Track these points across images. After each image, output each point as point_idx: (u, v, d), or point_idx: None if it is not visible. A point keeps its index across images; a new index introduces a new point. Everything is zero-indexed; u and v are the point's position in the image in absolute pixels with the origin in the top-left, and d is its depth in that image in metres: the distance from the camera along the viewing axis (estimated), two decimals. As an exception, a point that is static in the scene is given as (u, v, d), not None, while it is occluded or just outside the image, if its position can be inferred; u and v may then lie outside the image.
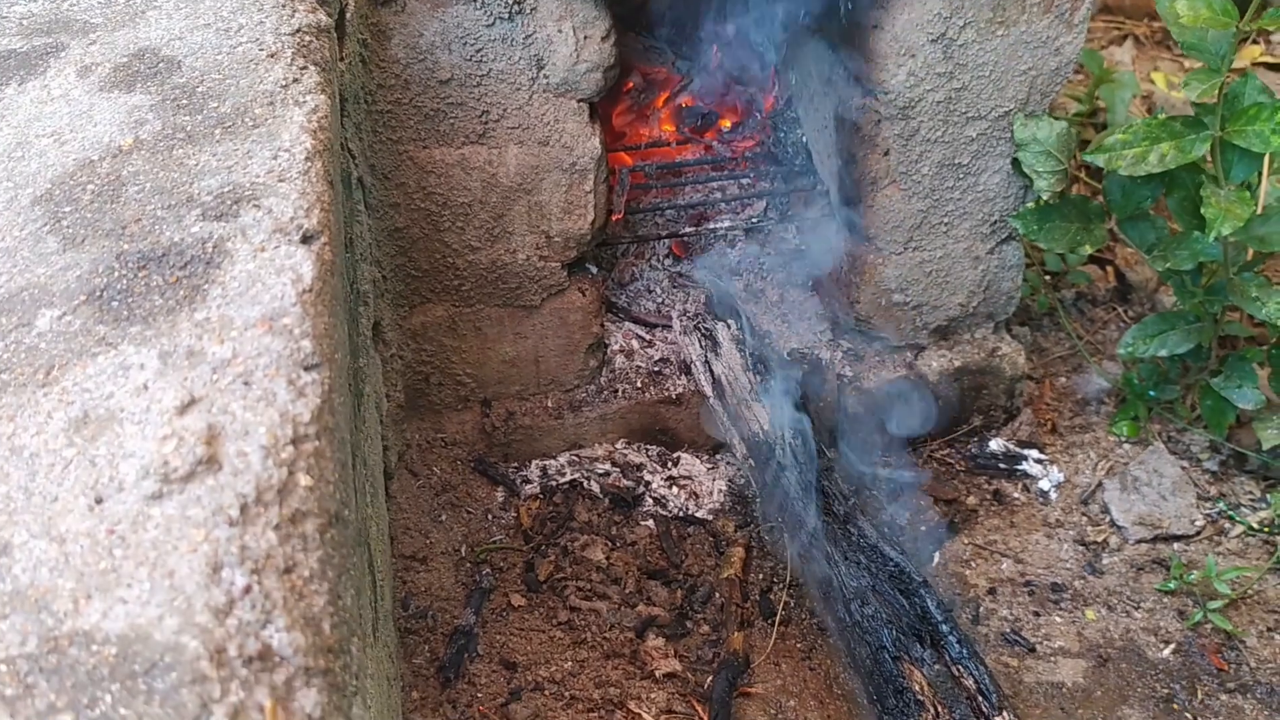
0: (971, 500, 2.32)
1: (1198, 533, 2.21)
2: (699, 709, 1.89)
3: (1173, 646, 2.03)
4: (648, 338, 2.38)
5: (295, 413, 0.95)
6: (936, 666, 1.82)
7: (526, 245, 2.11)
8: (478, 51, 1.90)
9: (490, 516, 2.20)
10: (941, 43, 1.96)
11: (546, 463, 2.30)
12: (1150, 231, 2.17)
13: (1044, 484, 2.33)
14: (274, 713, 0.78)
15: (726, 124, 2.58)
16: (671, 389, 2.30)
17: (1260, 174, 2.19)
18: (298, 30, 1.44)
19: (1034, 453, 2.38)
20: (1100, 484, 2.30)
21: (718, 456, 2.34)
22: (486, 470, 2.27)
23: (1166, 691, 1.96)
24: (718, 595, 2.09)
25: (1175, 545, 2.20)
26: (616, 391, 2.31)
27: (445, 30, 1.87)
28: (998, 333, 2.39)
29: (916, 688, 1.79)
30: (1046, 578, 2.15)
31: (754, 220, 2.47)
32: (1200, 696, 1.95)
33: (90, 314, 1.05)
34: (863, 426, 2.30)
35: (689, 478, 2.30)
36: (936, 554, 2.21)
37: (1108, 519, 2.25)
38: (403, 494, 2.11)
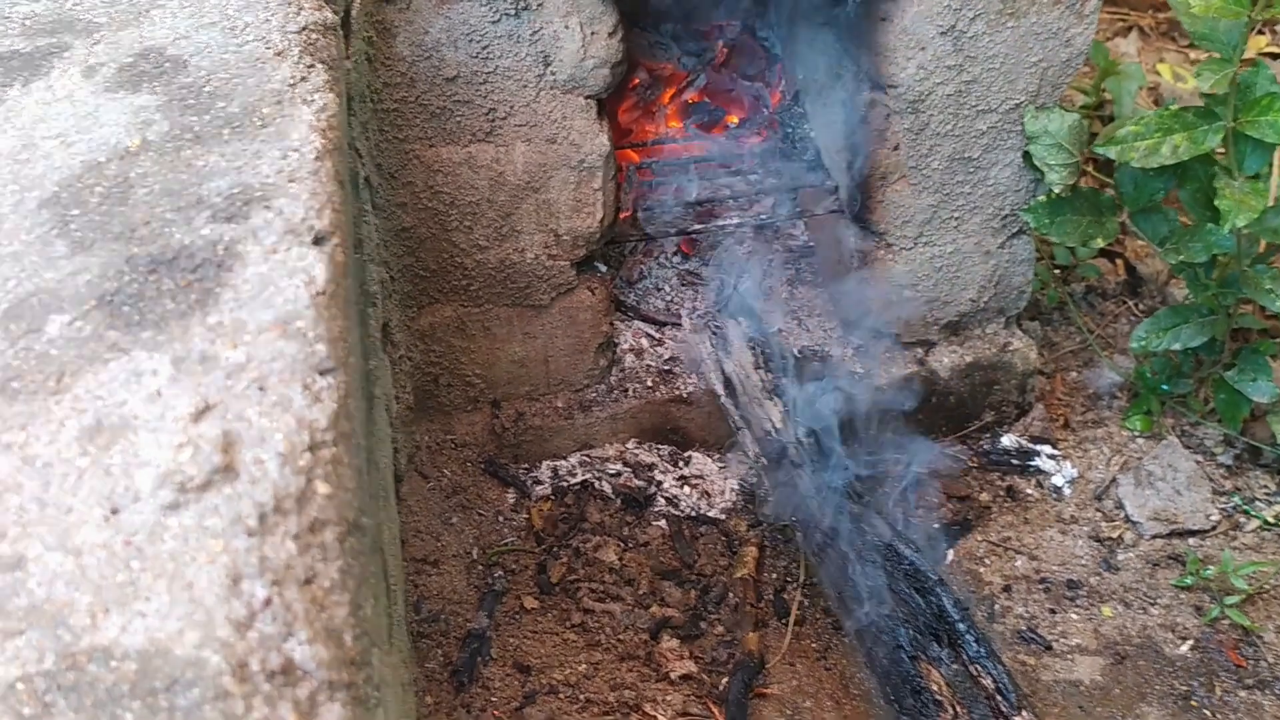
0: (984, 497, 2.30)
1: (1213, 527, 2.19)
2: (715, 711, 1.87)
3: (1190, 643, 2.01)
4: (657, 336, 2.36)
5: (312, 418, 0.93)
6: (954, 666, 1.81)
7: (535, 244, 2.09)
8: (484, 48, 1.88)
9: (501, 518, 2.19)
10: (951, 35, 1.94)
11: (557, 463, 2.28)
12: (1163, 224, 2.15)
13: (1057, 480, 2.31)
14: (298, 728, 0.77)
15: (734, 120, 2.56)
16: (682, 388, 2.28)
17: (1271, 165, 2.17)
18: (304, 28, 1.42)
19: (1047, 448, 2.36)
20: (1114, 479, 2.29)
21: (729, 455, 2.32)
22: (497, 472, 2.25)
23: (1185, 688, 1.95)
24: (731, 595, 2.07)
25: (1191, 540, 2.18)
26: (627, 391, 2.29)
27: (451, 27, 1.85)
28: (1009, 328, 2.38)
29: (934, 687, 1.77)
30: (1062, 574, 2.13)
31: (762, 217, 2.44)
32: (1219, 693, 1.94)
33: (101, 319, 1.03)
34: (874, 422, 2.28)
35: (701, 477, 2.28)
36: (950, 551, 2.20)
37: (1122, 514, 2.24)
38: (413, 497, 2.09)
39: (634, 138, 2.49)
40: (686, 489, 2.26)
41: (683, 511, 2.22)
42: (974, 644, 1.82)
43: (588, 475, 2.25)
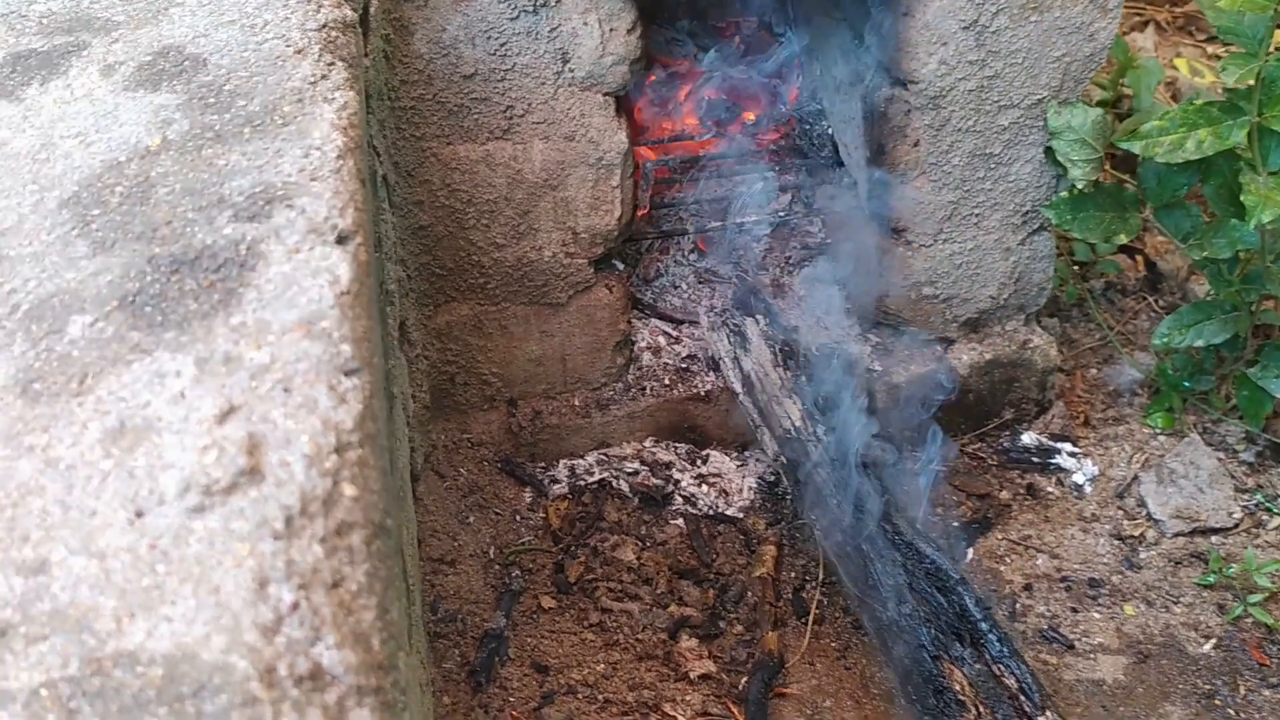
0: (1004, 495, 2.28)
1: (1236, 525, 2.17)
2: (734, 711, 1.86)
3: (1213, 642, 2.00)
4: (675, 334, 2.35)
5: (338, 420, 0.92)
6: (977, 665, 1.79)
7: (553, 242, 2.08)
8: (502, 45, 1.87)
9: (518, 517, 2.18)
10: (974, 29, 1.92)
11: (574, 462, 2.27)
12: (1186, 220, 2.13)
13: (1078, 477, 2.29)
14: (326, 734, 0.76)
15: (750, 117, 2.54)
16: (700, 386, 2.27)
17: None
18: (324, 25, 1.41)
19: (1067, 446, 2.34)
20: (1136, 477, 2.27)
21: (747, 453, 2.31)
22: (514, 471, 2.24)
23: (1208, 688, 1.93)
24: (750, 594, 2.06)
25: (1213, 538, 2.16)
26: (644, 389, 2.28)
27: (469, 24, 1.84)
28: (1029, 325, 2.36)
29: (957, 687, 1.76)
30: (1083, 573, 2.12)
31: (780, 214, 2.43)
32: (1243, 692, 1.92)
33: (123, 320, 1.02)
34: (893, 420, 2.27)
35: (718, 475, 2.26)
36: (970, 550, 2.18)
37: (1144, 512, 2.22)
38: (430, 496, 2.08)
39: (651, 135, 2.48)
40: (704, 487, 2.25)
41: (701, 510, 2.21)
42: (997, 643, 1.80)
43: (605, 474, 2.24)
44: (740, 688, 1.90)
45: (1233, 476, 2.24)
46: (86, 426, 0.93)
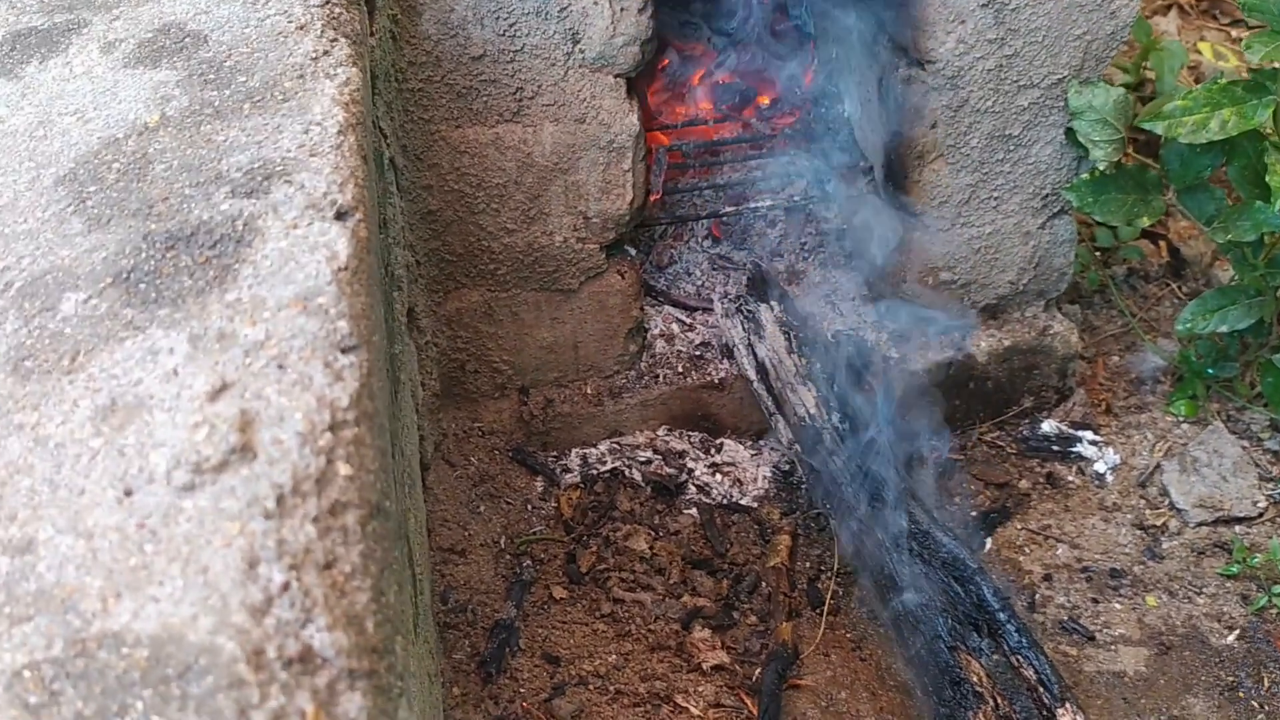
0: (1024, 484, 2.25)
1: (1260, 514, 2.13)
2: (748, 702, 1.83)
3: (1237, 633, 1.96)
4: (688, 321, 2.32)
5: (333, 397, 0.89)
6: (995, 656, 1.76)
7: (564, 227, 2.05)
8: (511, 26, 1.84)
9: (530, 507, 2.15)
10: (993, 7, 1.88)
11: (586, 451, 2.24)
12: (1209, 202, 2.09)
13: (1099, 466, 2.25)
14: (316, 719, 0.73)
15: (765, 100, 2.51)
16: (713, 373, 2.24)
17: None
18: (327, 1, 1.39)
19: (1088, 434, 2.30)
20: (1158, 465, 2.23)
21: (761, 442, 2.28)
22: (525, 459, 2.21)
23: (1231, 679, 1.90)
24: (764, 584, 2.03)
25: (1237, 528, 2.13)
26: (657, 377, 2.25)
27: (477, 4, 1.81)
28: (1049, 311, 2.32)
29: (974, 678, 1.73)
30: (1104, 563, 2.08)
31: (795, 199, 2.39)
32: (1267, 684, 1.88)
33: (117, 297, 1.00)
34: (910, 408, 2.23)
35: (732, 464, 2.23)
36: (989, 540, 2.15)
37: (1167, 501, 2.18)
38: (440, 485, 2.06)
39: (663, 119, 2.45)
40: (718, 476, 2.22)
41: (714, 499, 2.18)
42: (1015, 634, 1.77)
43: (617, 463, 2.21)
44: (754, 679, 1.87)
45: (1257, 465, 2.20)
46: (77, 404, 0.91)
